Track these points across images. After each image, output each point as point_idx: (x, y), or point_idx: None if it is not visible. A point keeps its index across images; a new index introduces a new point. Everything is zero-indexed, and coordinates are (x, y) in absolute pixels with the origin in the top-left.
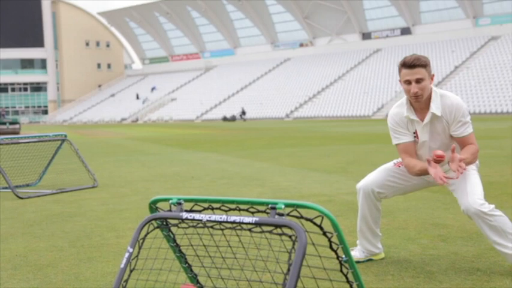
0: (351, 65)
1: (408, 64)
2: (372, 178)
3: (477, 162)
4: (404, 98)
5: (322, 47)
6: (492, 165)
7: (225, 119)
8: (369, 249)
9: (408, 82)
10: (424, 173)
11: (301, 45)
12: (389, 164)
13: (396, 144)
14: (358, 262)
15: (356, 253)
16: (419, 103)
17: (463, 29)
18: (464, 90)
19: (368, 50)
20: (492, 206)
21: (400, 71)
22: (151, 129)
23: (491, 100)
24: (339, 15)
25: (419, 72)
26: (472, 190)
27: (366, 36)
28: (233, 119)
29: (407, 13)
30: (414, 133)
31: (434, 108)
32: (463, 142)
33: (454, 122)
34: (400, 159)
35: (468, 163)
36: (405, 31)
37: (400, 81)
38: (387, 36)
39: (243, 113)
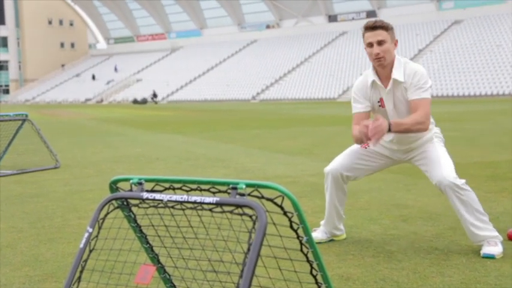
0: (317, 47)
1: (370, 26)
2: (340, 162)
3: (442, 136)
4: (370, 66)
5: (289, 29)
6: (453, 147)
7: (135, 101)
8: (331, 232)
9: (370, 44)
10: (362, 135)
11: (268, 27)
12: (356, 146)
13: (353, 114)
14: (320, 243)
15: (318, 234)
16: (384, 69)
17: (427, 13)
18: (428, 73)
19: (334, 32)
20: (464, 181)
21: (363, 36)
22: (116, 110)
23: (453, 83)
24: None
25: (381, 34)
26: (445, 164)
27: (332, 18)
28: (144, 101)
29: None
30: (379, 101)
31: (397, 74)
32: (414, 106)
33: (411, 86)
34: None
35: (405, 130)
36: (371, 14)
37: (364, 47)
38: (353, 19)
39: (154, 95)
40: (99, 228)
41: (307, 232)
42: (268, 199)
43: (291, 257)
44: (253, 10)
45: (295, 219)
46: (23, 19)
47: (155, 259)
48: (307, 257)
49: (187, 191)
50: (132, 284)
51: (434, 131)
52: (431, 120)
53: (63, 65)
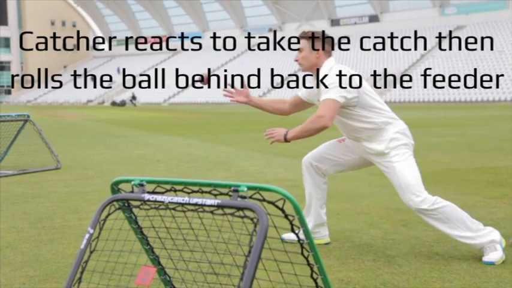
0: None
1: (298, 36)
2: (313, 151)
3: (405, 139)
4: None
5: (291, 33)
6: (453, 153)
7: (114, 103)
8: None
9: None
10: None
11: (270, 30)
12: (333, 140)
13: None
14: (320, 245)
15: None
16: (306, 71)
17: (429, 18)
18: (430, 78)
19: (336, 36)
20: (433, 199)
21: None
22: (117, 112)
23: (455, 89)
24: (308, 0)
25: (301, 43)
26: (406, 184)
27: (335, 22)
28: (123, 104)
29: (375, 0)
30: (319, 101)
31: (320, 76)
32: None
33: (322, 86)
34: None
35: (302, 132)
36: (373, 18)
37: None
38: (355, 23)
39: (134, 97)
40: (100, 229)
41: (307, 235)
42: (269, 202)
43: (291, 260)
44: (255, 13)
45: (296, 222)
46: (25, 20)
47: (156, 261)
48: (307, 260)
49: (188, 193)
50: (133, 286)
51: (390, 133)
52: (391, 118)
53: (65, 66)
